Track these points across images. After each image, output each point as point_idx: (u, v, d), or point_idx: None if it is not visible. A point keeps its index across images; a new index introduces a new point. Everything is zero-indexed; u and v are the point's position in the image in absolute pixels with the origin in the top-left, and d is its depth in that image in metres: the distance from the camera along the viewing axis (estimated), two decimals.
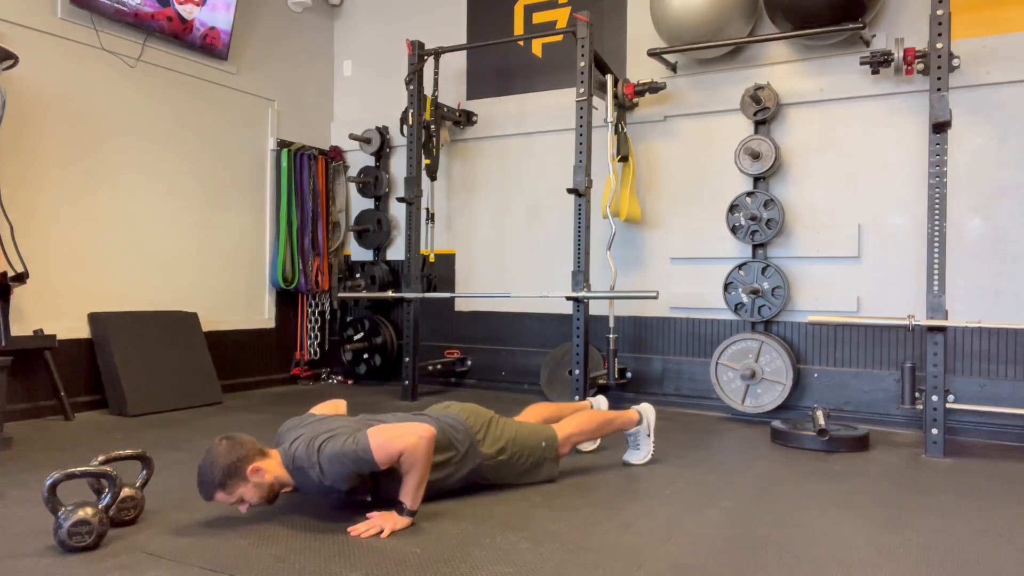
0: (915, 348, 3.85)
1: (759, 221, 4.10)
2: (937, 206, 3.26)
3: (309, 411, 2.54)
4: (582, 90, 4.04)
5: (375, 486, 2.30)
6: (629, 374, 4.40)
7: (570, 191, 4.03)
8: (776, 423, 3.59)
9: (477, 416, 2.58)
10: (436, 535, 2.12)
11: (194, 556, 1.94)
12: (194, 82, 4.71)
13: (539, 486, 2.64)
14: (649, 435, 3.00)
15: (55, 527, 1.94)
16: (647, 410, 3.00)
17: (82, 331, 4.07)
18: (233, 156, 4.99)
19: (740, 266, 4.15)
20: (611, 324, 4.23)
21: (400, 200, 4.83)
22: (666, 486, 2.69)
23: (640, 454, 2.99)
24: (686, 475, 2.84)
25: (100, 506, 2.00)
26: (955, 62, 3.35)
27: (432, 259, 5.02)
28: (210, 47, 4.70)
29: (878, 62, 3.68)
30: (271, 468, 2.17)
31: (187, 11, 4.52)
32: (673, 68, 4.44)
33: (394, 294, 4.94)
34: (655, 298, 3.91)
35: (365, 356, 5.33)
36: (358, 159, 5.63)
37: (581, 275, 4.01)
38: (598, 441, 3.21)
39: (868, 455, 3.25)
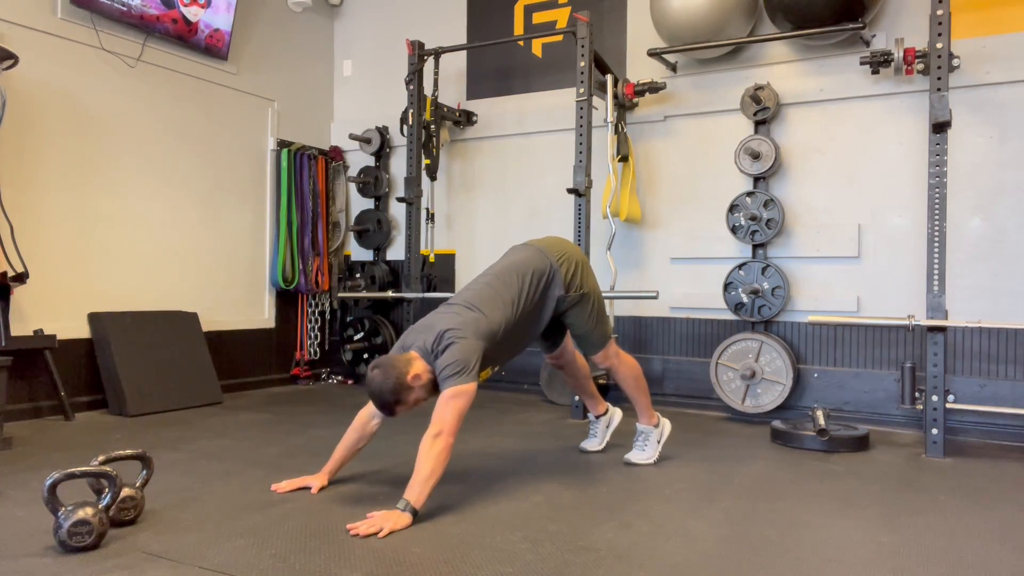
0: (915, 348, 3.85)
1: (759, 221, 4.10)
2: (937, 206, 3.26)
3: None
4: (582, 90, 4.04)
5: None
6: None
7: (570, 191, 4.03)
8: (776, 423, 3.59)
9: (568, 252, 2.80)
10: (436, 535, 2.11)
11: (194, 556, 1.94)
12: (194, 82, 4.71)
13: (539, 485, 2.64)
14: (659, 441, 3.04)
15: (55, 527, 1.94)
16: (667, 422, 3.11)
17: (82, 331, 4.07)
18: (233, 156, 4.99)
19: (740, 266, 4.15)
20: (611, 324, 4.23)
21: (400, 200, 4.83)
22: (666, 486, 2.69)
23: (644, 455, 3.00)
24: (686, 475, 2.85)
25: (100, 506, 2.00)
26: (955, 62, 3.35)
27: (432, 259, 5.02)
28: (213, 48, 4.70)
29: (878, 62, 3.68)
30: (422, 369, 2.40)
31: (192, 13, 4.52)
32: (673, 68, 4.44)
33: (394, 294, 4.95)
34: (655, 298, 3.92)
35: (365, 356, 5.33)
36: (358, 159, 5.63)
37: None
38: (604, 442, 3.22)
39: (868, 455, 3.25)
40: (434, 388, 2.43)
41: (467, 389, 2.34)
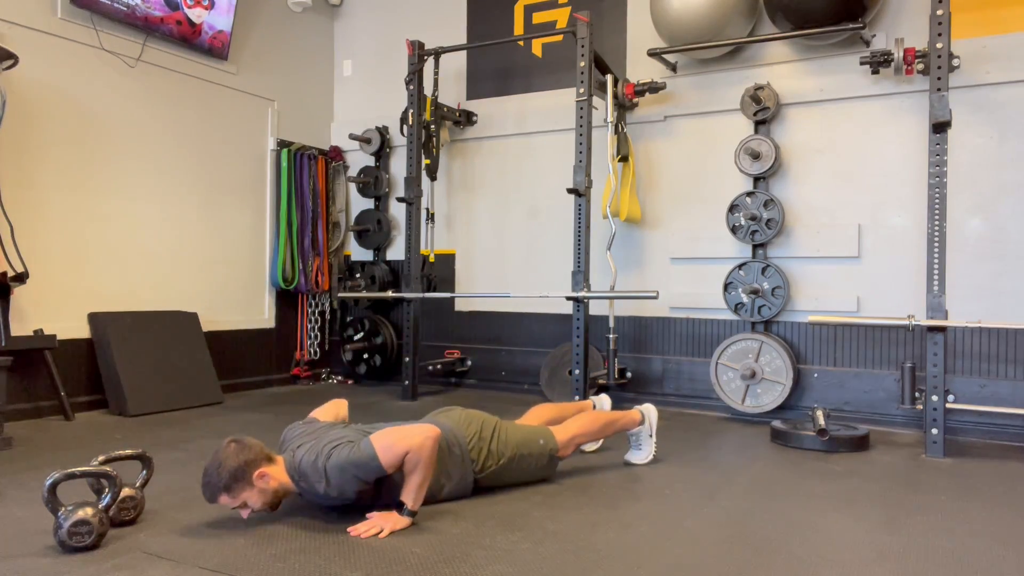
0: (915, 348, 3.85)
1: (759, 221, 4.10)
2: (937, 206, 3.26)
3: (310, 415, 2.53)
4: (582, 90, 4.04)
5: (377, 493, 2.26)
6: (629, 374, 4.40)
7: (570, 191, 4.03)
8: (776, 423, 3.59)
9: (481, 425, 2.57)
10: (436, 535, 2.11)
11: (194, 556, 1.94)
12: (194, 82, 4.71)
13: (539, 486, 2.64)
14: (651, 435, 3.02)
15: (55, 527, 1.94)
16: (649, 410, 3.02)
17: (82, 331, 4.07)
18: (233, 156, 4.99)
19: (740, 266, 4.15)
20: (611, 324, 4.23)
21: (400, 200, 4.83)
22: (666, 486, 2.69)
23: (642, 454, 3.00)
24: (686, 475, 2.85)
25: (100, 506, 2.00)
26: (955, 62, 3.35)
27: (432, 259, 5.02)
28: (215, 49, 4.71)
29: (878, 62, 3.68)
30: (276, 475, 2.17)
31: (196, 15, 4.53)
32: (673, 68, 4.44)
33: (394, 294, 4.94)
34: (655, 298, 3.91)
35: (365, 356, 5.33)
36: (358, 159, 5.63)
37: (581, 275, 4.01)
38: (601, 441, 3.21)
39: (868, 455, 3.25)
40: (273, 504, 2.20)
41: (376, 438, 2.15)
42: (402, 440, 2.14)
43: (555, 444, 2.68)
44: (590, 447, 3.19)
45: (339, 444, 2.17)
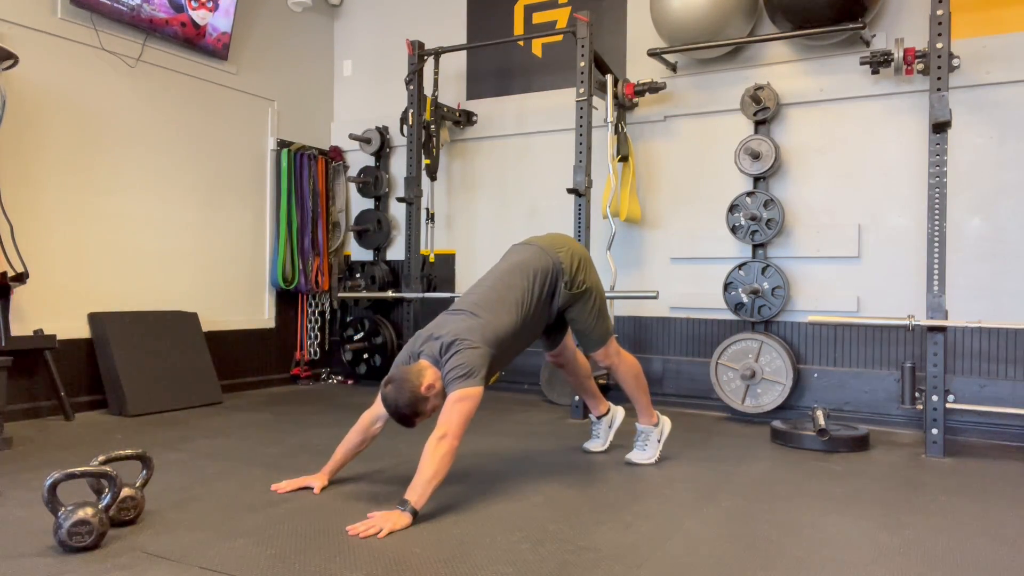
0: (915, 348, 3.85)
1: (759, 221, 4.10)
2: (937, 206, 3.26)
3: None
4: (582, 90, 4.04)
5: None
6: None
7: (570, 191, 4.03)
8: (776, 423, 3.59)
9: (575, 248, 2.82)
10: (436, 535, 2.11)
11: (194, 556, 1.94)
12: (194, 82, 4.71)
13: (539, 485, 2.64)
14: (660, 440, 3.04)
15: (55, 527, 1.94)
16: (667, 420, 3.10)
17: (82, 331, 4.07)
18: (233, 156, 4.99)
19: (740, 266, 4.15)
20: (612, 322, 4.23)
21: (400, 200, 4.83)
22: (666, 486, 2.69)
23: (645, 455, 3.00)
24: (686, 475, 2.85)
25: (100, 506, 2.00)
26: (955, 62, 3.35)
27: (432, 259, 5.02)
28: (216, 49, 4.71)
29: (878, 62, 3.68)
30: (434, 377, 2.39)
31: (200, 17, 4.53)
32: (673, 68, 4.44)
33: (394, 294, 4.94)
34: (655, 298, 3.91)
35: (365, 356, 5.33)
36: (358, 159, 5.63)
37: None
38: (608, 443, 3.21)
39: (868, 455, 3.25)
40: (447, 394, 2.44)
41: (473, 392, 2.35)
42: (445, 422, 2.31)
43: (613, 335, 2.95)
44: (596, 447, 3.19)
45: (465, 356, 2.39)
